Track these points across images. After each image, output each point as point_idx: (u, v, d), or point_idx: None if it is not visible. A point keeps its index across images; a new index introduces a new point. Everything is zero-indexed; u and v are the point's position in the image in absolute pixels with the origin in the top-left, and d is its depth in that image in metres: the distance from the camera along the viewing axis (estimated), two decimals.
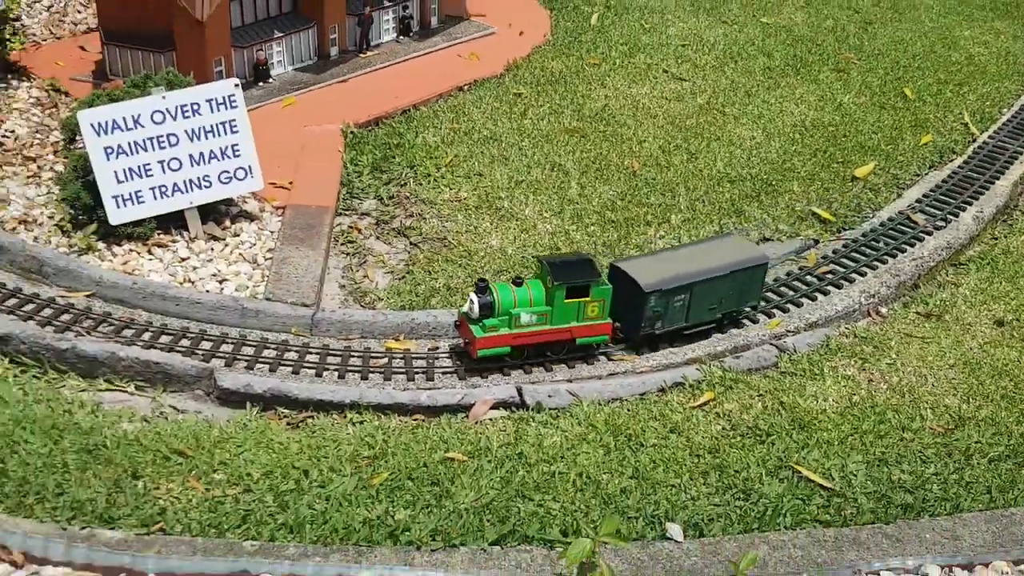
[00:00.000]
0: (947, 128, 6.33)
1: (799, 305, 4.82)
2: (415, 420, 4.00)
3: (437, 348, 4.48)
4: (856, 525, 3.55)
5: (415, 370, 4.30)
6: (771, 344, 4.56)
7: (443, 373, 4.31)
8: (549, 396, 4.09)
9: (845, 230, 5.39)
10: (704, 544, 3.45)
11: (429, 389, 4.18)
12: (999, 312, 4.81)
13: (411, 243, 5.13)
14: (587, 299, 4.19)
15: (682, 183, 5.65)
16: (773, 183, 5.69)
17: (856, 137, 6.17)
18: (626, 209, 5.42)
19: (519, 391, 4.11)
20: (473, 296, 4.13)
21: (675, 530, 3.50)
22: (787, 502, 3.60)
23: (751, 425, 3.98)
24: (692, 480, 3.70)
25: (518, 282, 4.19)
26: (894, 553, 3.44)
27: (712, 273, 4.34)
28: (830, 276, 4.99)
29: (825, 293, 4.90)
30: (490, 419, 4.00)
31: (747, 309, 4.62)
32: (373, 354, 4.40)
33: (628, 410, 4.04)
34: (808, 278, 4.99)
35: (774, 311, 4.77)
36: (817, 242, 5.30)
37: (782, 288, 4.91)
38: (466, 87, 6.44)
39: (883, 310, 4.89)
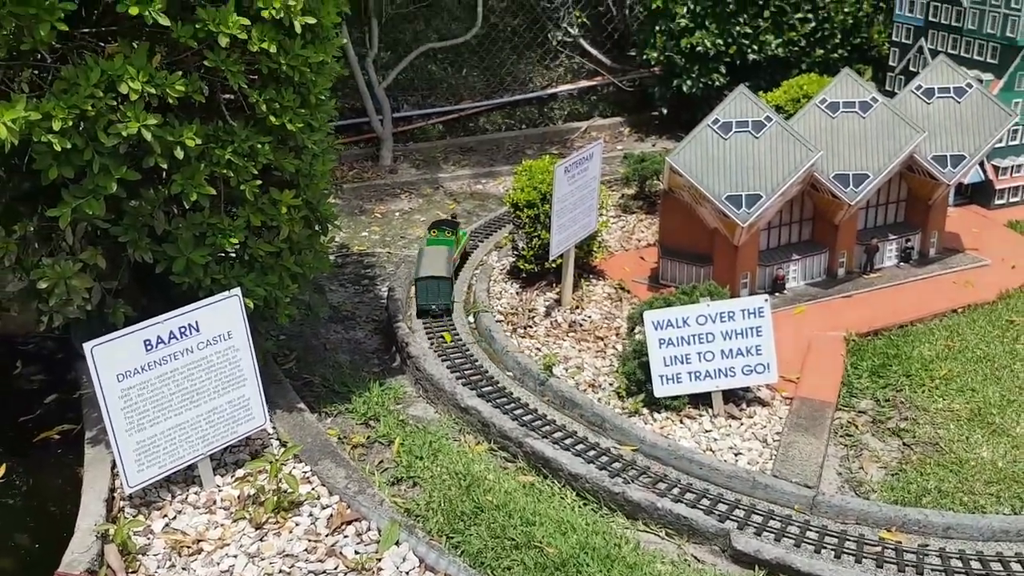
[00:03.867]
0: None
1: None
2: None
3: (927, 545, 3.79)
4: None
5: (905, 563, 3.66)
6: None
7: (931, 570, 3.62)
8: None
9: None
10: None
11: None
12: None
13: (904, 443, 4.49)
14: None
15: None
16: None
17: None
18: None
19: None
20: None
21: None
22: None
23: None
24: None
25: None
26: None
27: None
28: None
29: None
30: None
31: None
32: (867, 541, 3.83)
33: None
34: None
35: None
36: None
37: None
38: (960, 310, 5.66)
39: None
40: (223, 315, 3.81)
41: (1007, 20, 6.60)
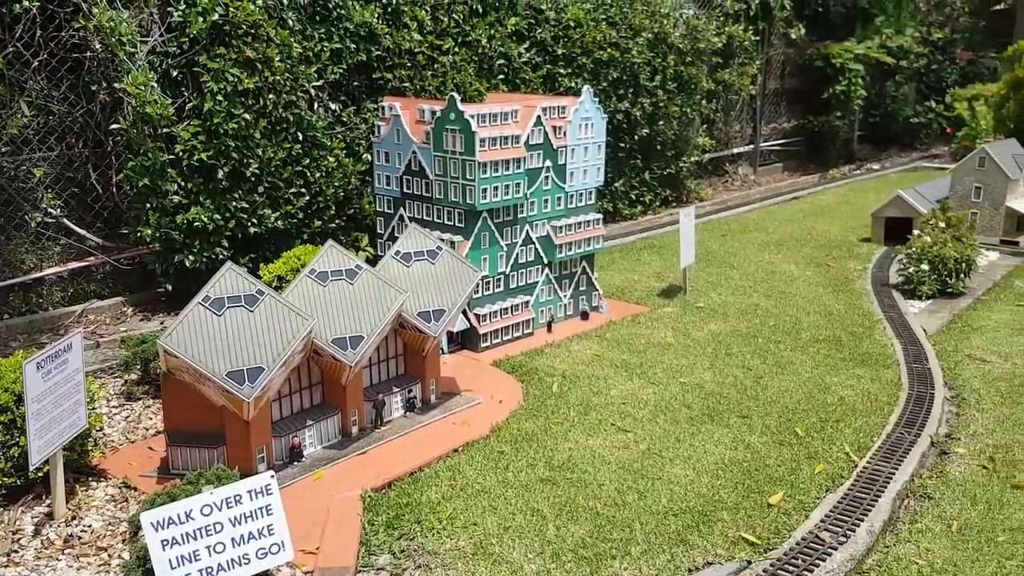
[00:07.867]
0: (833, 457, 6.09)
1: None
2: None
3: None
4: None
5: None
6: None
7: None
8: None
9: (770, 550, 5.02)
10: None
11: None
12: None
13: None
14: None
15: (636, 519, 5.33)
16: (707, 514, 5.38)
17: (765, 470, 5.93)
18: (595, 546, 5.06)
19: None
20: None
21: None
22: None
23: None
24: None
25: None
26: None
27: None
28: None
29: None
30: None
31: None
32: None
33: None
34: None
35: None
36: (750, 563, 4.92)
37: None
38: (460, 448, 6.24)
39: None
40: None
41: (465, 189, 7.72)
